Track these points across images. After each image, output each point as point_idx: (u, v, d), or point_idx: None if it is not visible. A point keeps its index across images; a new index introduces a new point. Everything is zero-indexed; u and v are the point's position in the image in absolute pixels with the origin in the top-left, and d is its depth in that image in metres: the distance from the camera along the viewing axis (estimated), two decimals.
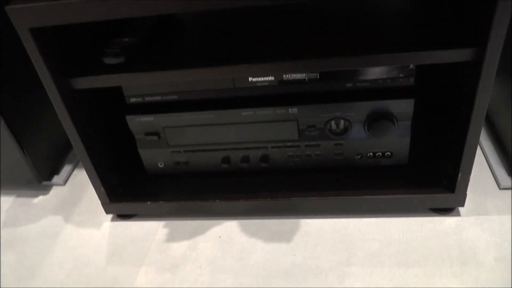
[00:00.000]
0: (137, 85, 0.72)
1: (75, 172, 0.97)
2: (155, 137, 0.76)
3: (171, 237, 0.79)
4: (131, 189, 0.82)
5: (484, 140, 0.86)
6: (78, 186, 0.93)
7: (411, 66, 0.65)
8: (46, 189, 0.94)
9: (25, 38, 0.60)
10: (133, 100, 0.73)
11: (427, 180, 0.74)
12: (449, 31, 0.62)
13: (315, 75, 0.67)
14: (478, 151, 0.85)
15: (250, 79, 0.68)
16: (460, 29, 0.62)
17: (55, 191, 0.94)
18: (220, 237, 0.77)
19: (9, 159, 0.86)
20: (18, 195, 0.94)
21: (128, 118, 0.75)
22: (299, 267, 0.70)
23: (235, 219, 0.79)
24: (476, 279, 0.64)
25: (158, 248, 0.77)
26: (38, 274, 0.76)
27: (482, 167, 0.82)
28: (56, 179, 0.94)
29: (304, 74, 0.67)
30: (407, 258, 0.69)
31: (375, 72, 0.66)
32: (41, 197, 0.93)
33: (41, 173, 0.91)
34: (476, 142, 0.64)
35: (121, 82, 0.67)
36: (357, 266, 0.69)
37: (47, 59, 0.62)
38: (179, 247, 0.77)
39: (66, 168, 0.96)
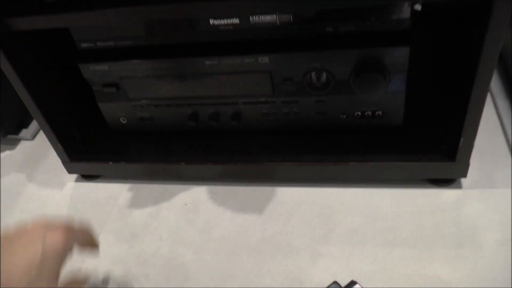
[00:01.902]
0: (85, 27, 0.62)
1: None
2: (113, 89, 0.67)
3: (134, 203, 0.71)
4: (93, 148, 0.74)
5: (500, 99, 0.73)
6: (45, 142, 0.86)
7: (406, 5, 0.52)
8: (13, 143, 0.87)
9: None
10: (84, 45, 0.63)
11: (424, 145, 0.62)
12: None
13: (288, 17, 0.55)
14: (492, 111, 0.72)
15: (211, 21, 0.57)
16: None
17: (22, 146, 0.87)
18: (185, 204, 0.69)
19: None
20: None
21: (81, 66, 0.65)
22: (268, 242, 0.61)
23: (204, 184, 0.71)
24: (472, 265, 0.54)
25: (119, 215, 0.70)
26: None
27: (495, 130, 0.69)
28: (24, 132, 0.87)
29: (275, 15, 0.55)
30: (394, 237, 0.59)
31: (361, 13, 0.54)
32: (7, 152, 0.86)
33: (6, 126, 0.84)
34: (484, 99, 0.52)
35: (64, 22, 0.58)
36: (334, 244, 0.59)
37: None
38: (141, 215, 0.69)
39: (35, 122, 0.89)
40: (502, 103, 0.72)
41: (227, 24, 0.57)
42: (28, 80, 0.62)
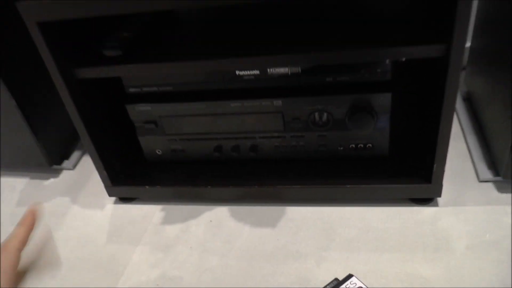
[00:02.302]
0: (135, 76, 0.77)
1: (84, 158, 1.04)
2: (153, 125, 0.82)
3: (166, 220, 0.84)
4: (131, 174, 0.88)
5: (469, 134, 0.88)
6: (86, 171, 1.00)
7: (387, 61, 0.68)
8: (56, 173, 1.01)
9: (33, 32, 0.66)
10: (132, 90, 0.79)
11: (406, 171, 0.77)
12: (424, 30, 0.66)
13: (297, 69, 0.71)
14: (463, 145, 0.88)
15: (237, 72, 0.73)
16: (433, 28, 0.65)
17: (64, 175, 1.01)
18: (211, 221, 0.82)
19: (23, 144, 0.94)
20: (32, 177, 1.02)
21: (128, 107, 0.81)
22: (281, 250, 0.75)
23: (226, 205, 0.85)
24: (447, 265, 0.68)
25: (154, 230, 0.83)
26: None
27: (464, 160, 0.85)
28: (66, 163, 1.02)
29: (287, 68, 0.71)
30: (383, 245, 0.73)
31: (353, 67, 0.70)
32: (52, 180, 1.00)
33: (52, 157, 0.98)
34: (448, 134, 0.67)
35: (121, 72, 0.73)
36: (335, 251, 0.73)
37: (52, 51, 0.69)
38: (173, 230, 0.82)
39: (76, 154, 1.04)
40: (471, 137, 0.88)
41: (249, 75, 0.73)
42: (85, 118, 0.77)
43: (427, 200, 0.78)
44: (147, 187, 0.85)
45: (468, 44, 1.06)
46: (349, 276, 0.64)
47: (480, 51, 0.89)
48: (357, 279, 0.63)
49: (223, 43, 0.72)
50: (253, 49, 0.68)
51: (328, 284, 0.65)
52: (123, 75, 0.76)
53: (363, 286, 0.62)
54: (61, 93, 0.74)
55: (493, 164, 0.81)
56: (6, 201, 0.96)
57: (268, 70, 0.72)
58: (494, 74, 0.79)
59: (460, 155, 0.86)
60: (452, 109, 0.64)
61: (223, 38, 0.74)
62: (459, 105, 0.97)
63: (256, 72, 0.72)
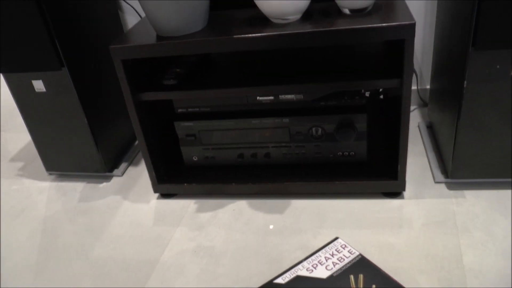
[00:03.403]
0: (183, 99, 1.07)
1: (130, 167, 1.31)
2: (193, 138, 1.10)
3: (199, 209, 1.11)
4: (173, 175, 1.16)
5: (429, 151, 1.17)
6: (132, 177, 1.27)
7: (362, 90, 0.98)
8: (108, 179, 1.28)
9: (117, 66, 0.96)
10: (180, 110, 1.08)
11: (379, 172, 1.05)
12: (385, 69, 0.96)
13: (300, 96, 1.01)
14: (424, 158, 1.16)
15: (258, 97, 1.02)
16: (392, 68, 0.95)
17: (115, 180, 1.28)
18: (234, 210, 1.09)
19: (86, 153, 1.22)
20: (88, 182, 1.28)
21: (176, 123, 1.09)
22: (287, 228, 1.01)
23: (245, 199, 1.11)
24: (408, 235, 0.94)
25: (190, 216, 1.09)
26: (105, 230, 1.09)
27: (425, 168, 1.13)
28: (116, 171, 1.29)
29: (293, 95, 1.01)
30: (362, 224, 0.99)
31: (339, 95, 0.99)
32: (104, 184, 1.27)
33: (107, 165, 1.26)
34: (406, 143, 0.95)
35: (174, 96, 1.02)
36: (326, 228, 0.99)
37: (128, 79, 0.98)
38: (205, 216, 1.09)
39: (123, 164, 1.31)
40: (431, 153, 1.16)
41: (266, 99, 1.02)
42: (144, 130, 1.05)
43: (395, 194, 1.05)
44: (185, 184, 1.12)
45: (428, 86, 1.37)
46: (335, 238, 0.90)
47: (436, 92, 1.19)
48: (342, 240, 0.89)
49: (247, 76, 1.02)
50: (268, 81, 0.97)
51: (321, 247, 0.91)
52: (174, 98, 1.05)
53: (346, 244, 0.88)
54: (130, 111, 1.02)
55: (445, 170, 1.08)
56: (70, 198, 1.23)
57: (279, 96, 1.01)
58: (444, 109, 1.09)
59: (422, 165, 1.14)
60: (407, 125, 0.93)
61: (246, 73, 1.04)
62: (424, 131, 1.26)
63: (271, 97, 1.02)
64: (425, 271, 0.86)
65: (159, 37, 0.94)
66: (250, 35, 0.88)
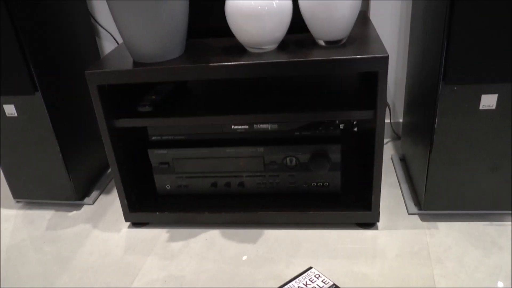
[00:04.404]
0: (158, 126, 1.06)
1: (102, 196, 1.28)
2: (166, 166, 1.09)
3: (171, 239, 1.08)
4: (145, 204, 1.13)
5: (403, 183, 1.18)
6: (103, 206, 1.24)
7: (336, 121, 0.99)
8: (78, 207, 1.25)
9: (93, 91, 0.95)
10: (154, 138, 1.07)
11: (353, 203, 1.05)
12: (359, 101, 0.97)
13: (275, 126, 1.01)
14: (398, 190, 1.17)
15: (232, 126, 1.02)
16: (366, 100, 0.97)
17: (85, 208, 1.24)
18: (206, 239, 1.07)
19: (56, 180, 1.19)
20: (57, 210, 1.25)
21: (149, 151, 1.08)
22: (260, 258, 0.99)
23: (218, 228, 1.10)
24: (381, 266, 0.94)
25: (161, 245, 1.07)
26: (72, 260, 1.05)
27: (399, 201, 1.14)
28: (87, 200, 1.26)
29: (268, 125, 1.01)
30: (336, 254, 0.98)
31: (313, 125, 1.00)
32: (74, 212, 1.23)
33: (78, 193, 1.23)
34: (380, 174, 0.96)
35: (149, 123, 1.01)
36: (300, 258, 0.98)
37: (103, 105, 0.97)
38: (176, 245, 1.06)
39: (95, 192, 1.28)
40: (404, 185, 1.17)
41: (241, 128, 1.02)
42: (117, 157, 1.04)
43: (369, 224, 1.05)
44: (157, 213, 1.10)
45: (400, 120, 1.40)
46: (309, 268, 0.89)
47: (409, 125, 1.22)
48: (315, 269, 0.88)
49: (222, 105, 1.02)
50: (244, 110, 0.98)
51: (295, 277, 0.90)
52: (149, 125, 1.05)
53: (320, 274, 0.87)
54: (104, 137, 1.01)
55: (418, 202, 1.09)
56: (37, 226, 1.18)
57: (254, 125, 1.02)
58: (417, 142, 1.11)
59: (395, 197, 1.15)
60: (381, 157, 0.94)
61: (222, 102, 1.04)
62: (397, 163, 1.28)
63: (246, 126, 1.02)
64: None
65: (136, 63, 0.94)
66: (226, 63, 0.89)
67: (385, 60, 0.85)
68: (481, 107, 0.90)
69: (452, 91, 0.89)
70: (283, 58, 0.88)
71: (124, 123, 1.01)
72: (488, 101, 0.89)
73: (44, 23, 1.08)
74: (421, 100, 1.04)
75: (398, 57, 1.31)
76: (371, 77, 0.95)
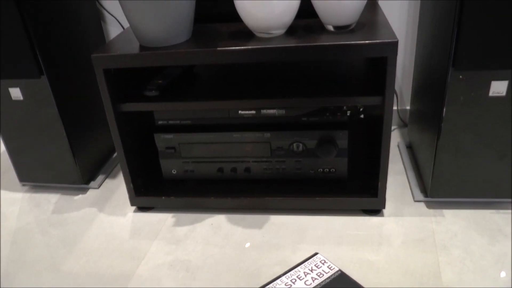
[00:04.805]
0: (164, 111, 1.06)
1: (107, 180, 1.29)
2: (172, 150, 1.09)
3: (177, 223, 1.09)
4: (151, 188, 1.14)
5: (409, 170, 1.18)
6: (109, 190, 1.25)
7: (344, 107, 0.98)
8: (84, 190, 1.25)
9: (99, 75, 0.95)
10: (160, 122, 1.07)
11: (360, 189, 1.05)
12: (371, 85, 0.97)
13: (282, 111, 1.01)
14: (404, 177, 1.17)
15: (239, 111, 1.02)
16: (375, 86, 0.96)
17: (91, 192, 1.25)
18: (212, 224, 1.07)
19: (62, 164, 1.19)
20: (63, 194, 1.25)
21: (156, 135, 1.08)
22: (266, 244, 0.99)
23: (224, 213, 1.10)
24: (387, 253, 0.94)
25: (167, 230, 1.07)
26: (78, 243, 1.06)
27: (405, 187, 1.13)
28: (92, 183, 1.26)
29: (275, 110, 1.01)
30: (341, 240, 0.98)
31: (321, 111, 1.00)
32: (80, 196, 1.24)
33: (83, 177, 1.23)
34: (387, 161, 0.96)
35: (155, 108, 1.01)
36: (306, 244, 0.98)
37: (109, 89, 0.97)
38: (182, 230, 1.06)
39: (101, 176, 1.28)
40: (410, 172, 1.17)
41: (248, 113, 1.02)
42: (123, 141, 1.03)
43: (375, 211, 1.05)
44: (163, 197, 1.10)
45: (407, 107, 1.39)
46: (315, 254, 0.89)
47: (416, 113, 1.21)
48: (321, 255, 0.88)
49: (229, 90, 1.01)
50: (251, 95, 0.97)
51: (300, 262, 0.90)
52: (156, 110, 1.04)
53: (325, 260, 0.87)
54: (110, 122, 1.00)
55: (424, 189, 1.09)
56: (43, 210, 1.19)
57: (261, 110, 1.01)
58: (424, 129, 1.10)
59: (402, 184, 1.15)
60: (388, 143, 0.94)
61: (229, 87, 1.03)
62: (403, 150, 1.28)
63: (253, 111, 1.02)
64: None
65: (142, 47, 0.93)
66: (234, 47, 0.88)
67: (394, 45, 0.84)
68: (490, 94, 0.89)
69: (462, 77, 0.88)
70: (291, 43, 0.87)
71: (131, 107, 1.00)
72: (498, 87, 0.88)
73: (49, 7, 1.07)
74: (430, 87, 1.03)
75: (406, 44, 1.30)
76: (379, 63, 0.94)
